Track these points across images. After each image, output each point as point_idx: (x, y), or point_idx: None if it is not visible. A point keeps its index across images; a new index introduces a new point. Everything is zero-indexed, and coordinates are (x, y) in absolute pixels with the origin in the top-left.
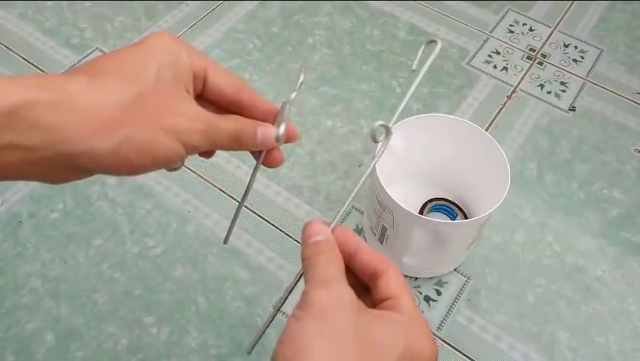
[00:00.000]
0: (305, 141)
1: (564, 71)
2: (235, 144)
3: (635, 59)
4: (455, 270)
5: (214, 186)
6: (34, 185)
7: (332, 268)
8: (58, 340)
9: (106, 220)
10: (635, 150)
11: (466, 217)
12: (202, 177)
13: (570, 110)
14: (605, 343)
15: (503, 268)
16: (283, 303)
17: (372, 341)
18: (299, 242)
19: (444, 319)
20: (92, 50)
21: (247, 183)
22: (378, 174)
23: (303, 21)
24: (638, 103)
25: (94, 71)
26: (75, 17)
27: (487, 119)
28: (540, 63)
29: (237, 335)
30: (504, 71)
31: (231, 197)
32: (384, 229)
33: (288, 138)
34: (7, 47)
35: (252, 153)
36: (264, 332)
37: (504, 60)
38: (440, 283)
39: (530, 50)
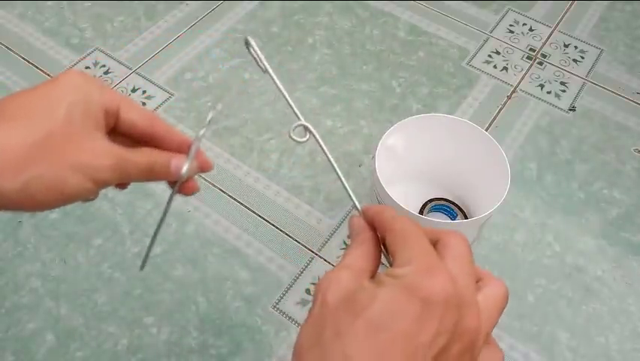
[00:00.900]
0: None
1: (564, 71)
2: (148, 175)
3: (635, 59)
4: None
5: (214, 186)
6: None
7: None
8: (58, 340)
9: (106, 220)
10: (635, 150)
11: (466, 217)
12: (202, 177)
13: (570, 110)
14: (605, 343)
15: (503, 268)
16: None
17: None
18: (299, 242)
19: None
20: (92, 49)
21: (164, 210)
22: (378, 174)
23: (303, 21)
24: (638, 103)
25: (1, 113)
26: (75, 17)
27: (487, 119)
28: (540, 63)
29: (237, 335)
30: (504, 71)
31: (231, 197)
32: None
33: (202, 170)
34: (7, 47)
35: (168, 182)
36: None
37: (504, 60)
38: None
39: (530, 50)
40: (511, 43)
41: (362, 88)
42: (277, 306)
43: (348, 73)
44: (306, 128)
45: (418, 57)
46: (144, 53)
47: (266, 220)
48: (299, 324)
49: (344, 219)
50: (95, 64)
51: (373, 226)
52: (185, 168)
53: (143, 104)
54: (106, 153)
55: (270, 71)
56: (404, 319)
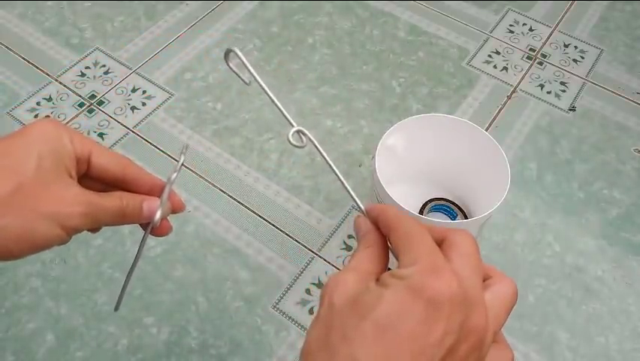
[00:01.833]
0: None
1: (564, 71)
2: (121, 219)
3: (635, 59)
4: None
5: (214, 186)
6: None
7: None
8: (58, 340)
9: None
10: (635, 150)
11: (466, 217)
12: (202, 177)
13: (570, 110)
14: (605, 343)
15: (503, 268)
16: None
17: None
18: (299, 242)
19: None
20: (92, 49)
21: (138, 249)
22: (378, 174)
23: (303, 21)
24: (638, 103)
25: None
26: (75, 17)
27: (487, 119)
28: (540, 63)
29: (237, 335)
30: (504, 71)
31: (231, 197)
32: None
33: (175, 210)
34: (7, 47)
35: (141, 224)
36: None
37: (504, 60)
38: None
39: (530, 50)
40: (511, 43)
41: (362, 88)
42: (277, 306)
43: (348, 73)
44: (301, 133)
45: (418, 57)
46: (144, 53)
47: (266, 220)
48: (299, 324)
49: (344, 219)
50: (95, 64)
51: (377, 225)
52: (158, 214)
53: (143, 104)
54: (76, 200)
55: (259, 79)
56: (410, 320)
